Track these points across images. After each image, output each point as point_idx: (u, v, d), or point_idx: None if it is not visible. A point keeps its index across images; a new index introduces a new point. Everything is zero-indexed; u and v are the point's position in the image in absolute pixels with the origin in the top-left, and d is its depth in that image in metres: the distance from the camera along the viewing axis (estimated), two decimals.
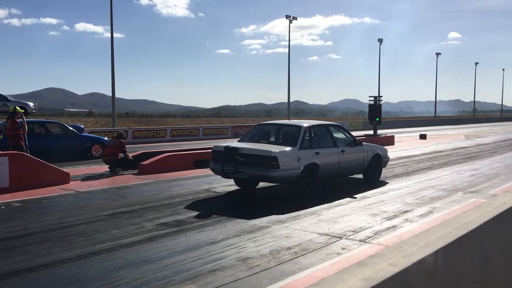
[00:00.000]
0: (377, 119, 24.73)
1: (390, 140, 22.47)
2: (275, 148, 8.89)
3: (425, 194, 9.15)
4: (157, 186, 10.20)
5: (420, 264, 2.49)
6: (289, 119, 46.01)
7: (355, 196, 8.92)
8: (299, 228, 6.52)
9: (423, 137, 26.52)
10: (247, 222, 6.83)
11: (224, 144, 9.35)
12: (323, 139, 9.80)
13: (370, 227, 6.59)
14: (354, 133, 12.30)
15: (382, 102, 26.97)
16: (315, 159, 9.17)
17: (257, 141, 9.83)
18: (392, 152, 14.86)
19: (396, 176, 11.64)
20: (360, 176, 10.92)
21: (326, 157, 9.49)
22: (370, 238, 6.02)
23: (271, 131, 10.39)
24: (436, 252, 2.65)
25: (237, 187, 9.88)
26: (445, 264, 2.72)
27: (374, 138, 21.07)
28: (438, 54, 77.48)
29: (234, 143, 9.66)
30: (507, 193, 4.61)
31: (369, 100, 27.02)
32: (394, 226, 6.63)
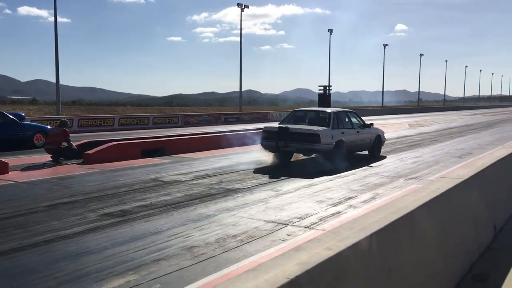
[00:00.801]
0: None
1: None
2: (316, 128, 11.12)
3: (369, 180, 9.43)
4: (102, 176, 9.90)
5: (355, 247, 2.55)
6: (240, 108, 45.99)
7: (308, 183, 9.06)
8: (246, 216, 6.55)
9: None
10: (194, 211, 6.79)
11: (277, 125, 11.70)
12: (345, 122, 12.25)
13: (316, 213, 6.72)
14: None
15: (332, 91, 27.51)
16: (342, 137, 11.51)
17: (296, 123, 11.87)
18: None
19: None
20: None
21: (348, 136, 11.88)
22: (315, 224, 6.14)
23: (304, 115, 12.75)
24: (371, 236, 2.73)
25: (183, 176, 9.80)
26: (379, 246, 2.81)
27: None
28: (385, 45, 79.73)
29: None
30: (442, 179, 4.83)
31: (319, 90, 27.49)
32: (338, 212, 6.80)
